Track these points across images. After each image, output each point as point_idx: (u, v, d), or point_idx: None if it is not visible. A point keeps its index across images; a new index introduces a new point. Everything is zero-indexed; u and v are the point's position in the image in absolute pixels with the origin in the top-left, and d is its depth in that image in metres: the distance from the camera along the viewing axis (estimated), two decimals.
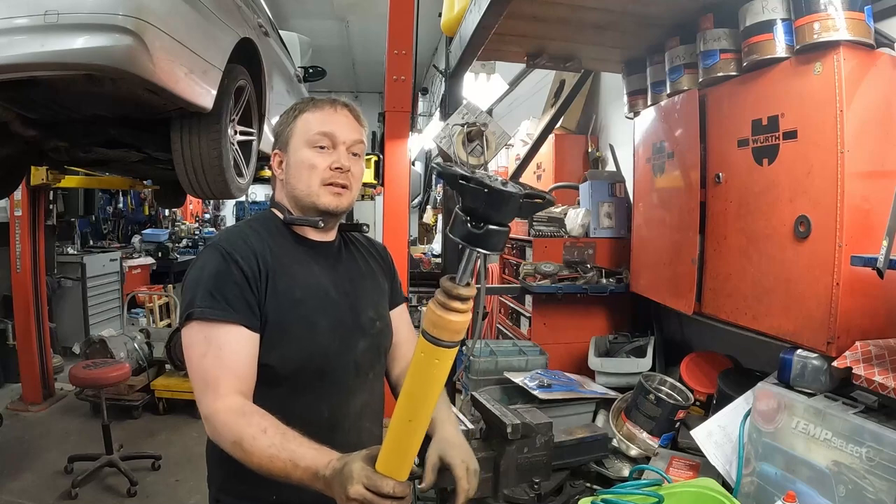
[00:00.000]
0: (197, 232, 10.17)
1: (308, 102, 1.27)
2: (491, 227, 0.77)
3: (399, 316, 1.42)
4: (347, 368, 1.24)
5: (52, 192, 5.44)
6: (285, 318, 1.16)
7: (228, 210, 12.87)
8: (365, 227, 1.41)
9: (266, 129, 3.21)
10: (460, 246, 0.80)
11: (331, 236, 1.31)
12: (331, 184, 1.21)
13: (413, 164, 5.55)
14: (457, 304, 0.81)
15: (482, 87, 3.47)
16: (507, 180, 0.77)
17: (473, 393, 1.69)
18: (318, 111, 1.24)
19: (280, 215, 1.27)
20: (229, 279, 1.12)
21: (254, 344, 1.13)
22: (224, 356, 1.10)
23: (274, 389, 1.16)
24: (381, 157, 3.74)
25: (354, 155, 1.24)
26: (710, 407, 1.71)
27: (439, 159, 0.75)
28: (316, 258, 1.27)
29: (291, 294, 1.18)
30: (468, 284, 0.82)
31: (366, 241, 1.42)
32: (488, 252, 0.78)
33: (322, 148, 1.21)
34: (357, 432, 1.26)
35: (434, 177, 6.90)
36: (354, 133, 1.24)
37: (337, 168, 1.21)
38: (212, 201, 11.54)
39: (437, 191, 6.70)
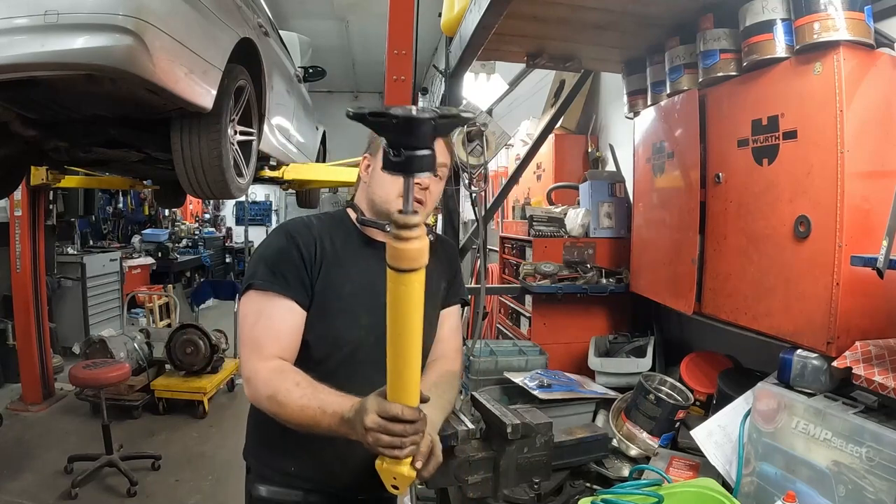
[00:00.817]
0: (197, 232, 10.17)
1: None
2: (410, 153, 0.82)
3: (447, 315, 1.48)
4: (380, 364, 1.27)
5: (52, 192, 5.45)
6: (330, 305, 1.27)
7: (228, 210, 12.84)
8: (430, 236, 1.42)
9: (266, 129, 3.21)
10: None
11: None
12: None
13: None
14: (408, 233, 0.86)
15: (482, 87, 3.47)
16: (425, 107, 0.81)
17: (473, 393, 1.69)
18: None
19: (353, 215, 1.37)
20: (290, 259, 1.24)
21: (302, 319, 1.25)
22: (273, 325, 1.22)
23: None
24: None
25: (436, 175, 1.32)
26: (710, 407, 1.71)
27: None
28: (378, 258, 1.30)
29: (342, 287, 1.28)
30: (415, 212, 0.88)
31: (436, 242, 1.44)
32: (417, 174, 0.85)
33: None
34: None
35: None
36: (441, 157, 1.32)
37: (417, 183, 1.24)
38: (212, 201, 11.54)
39: None
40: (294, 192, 5.31)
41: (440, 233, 2.17)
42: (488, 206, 2.70)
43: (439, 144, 1.31)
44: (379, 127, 0.82)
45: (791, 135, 1.42)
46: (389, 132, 0.82)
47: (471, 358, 2.08)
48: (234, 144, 2.64)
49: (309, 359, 1.25)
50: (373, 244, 1.35)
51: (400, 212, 0.88)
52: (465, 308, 1.62)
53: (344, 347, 1.28)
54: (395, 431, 0.99)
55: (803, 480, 1.19)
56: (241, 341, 1.25)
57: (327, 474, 1.32)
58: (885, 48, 1.40)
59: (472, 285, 2.45)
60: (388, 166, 0.85)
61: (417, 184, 1.24)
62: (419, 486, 1.20)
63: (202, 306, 6.48)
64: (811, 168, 1.36)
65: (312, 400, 1.10)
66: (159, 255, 7.96)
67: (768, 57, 1.48)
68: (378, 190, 1.31)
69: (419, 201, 1.29)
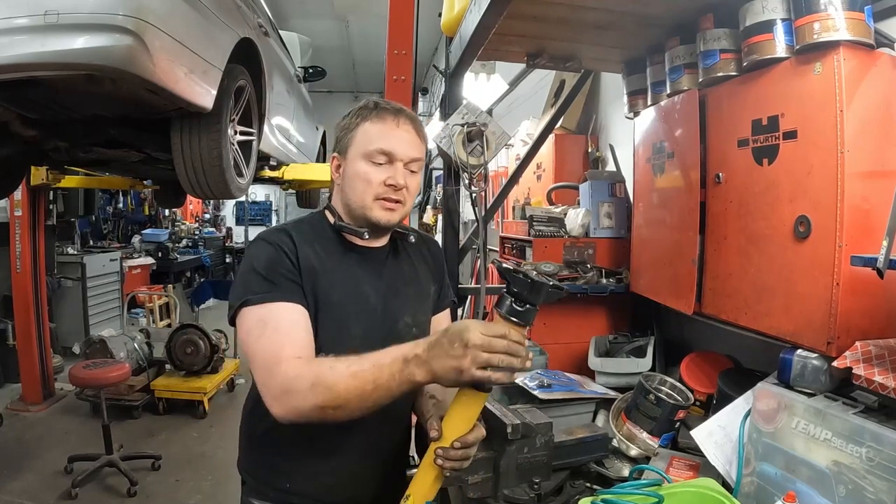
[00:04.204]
0: (197, 232, 10.17)
1: (371, 110, 1.25)
2: (529, 306, 1.01)
3: (442, 319, 1.43)
4: None
5: (52, 192, 5.45)
6: (319, 319, 1.19)
7: (228, 210, 12.85)
8: (411, 237, 1.39)
9: (266, 129, 3.21)
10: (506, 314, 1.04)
11: (381, 242, 1.33)
12: (384, 199, 1.22)
13: None
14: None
15: (482, 87, 3.47)
16: (540, 277, 1.01)
17: None
18: (380, 123, 1.23)
19: (331, 219, 1.29)
20: (281, 265, 1.17)
21: (308, 318, 1.16)
22: (281, 329, 1.11)
23: None
24: None
25: (412, 172, 1.26)
26: (710, 407, 1.71)
27: (504, 264, 1.12)
28: (362, 263, 1.28)
29: (329, 297, 1.21)
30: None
31: (419, 242, 1.41)
32: (525, 324, 1.01)
33: (379, 164, 1.22)
34: (377, 435, 1.29)
35: (434, 177, 6.91)
36: (413, 151, 1.25)
37: (392, 185, 1.22)
38: (212, 201, 11.54)
39: (437, 191, 6.70)
40: (294, 192, 5.31)
41: (440, 233, 2.17)
42: (488, 206, 2.70)
43: (410, 133, 1.25)
44: (514, 282, 0.99)
45: (791, 135, 1.42)
46: (519, 286, 1.00)
47: None
48: (234, 144, 2.64)
49: None
50: (354, 248, 1.29)
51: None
52: (463, 307, 1.61)
53: None
54: (499, 348, 0.94)
55: (803, 480, 1.18)
56: (252, 359, 1.11)
57: (324, 490, 1.27)
58: (885, 48, 1.40)
59: (472, 285, 2.45)
60: (509, 312, 1.01)
61: (392, 185, 1.22)
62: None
63: (202, 306, 6.48)
64: (811, 168, 1.36)
65: (363, 363, 1.01)
66: (159, 255, 7.95)
67: (768, 57, 1.48)
68: (352, 194, 1.24)
69: (398, 201, 1.24)
